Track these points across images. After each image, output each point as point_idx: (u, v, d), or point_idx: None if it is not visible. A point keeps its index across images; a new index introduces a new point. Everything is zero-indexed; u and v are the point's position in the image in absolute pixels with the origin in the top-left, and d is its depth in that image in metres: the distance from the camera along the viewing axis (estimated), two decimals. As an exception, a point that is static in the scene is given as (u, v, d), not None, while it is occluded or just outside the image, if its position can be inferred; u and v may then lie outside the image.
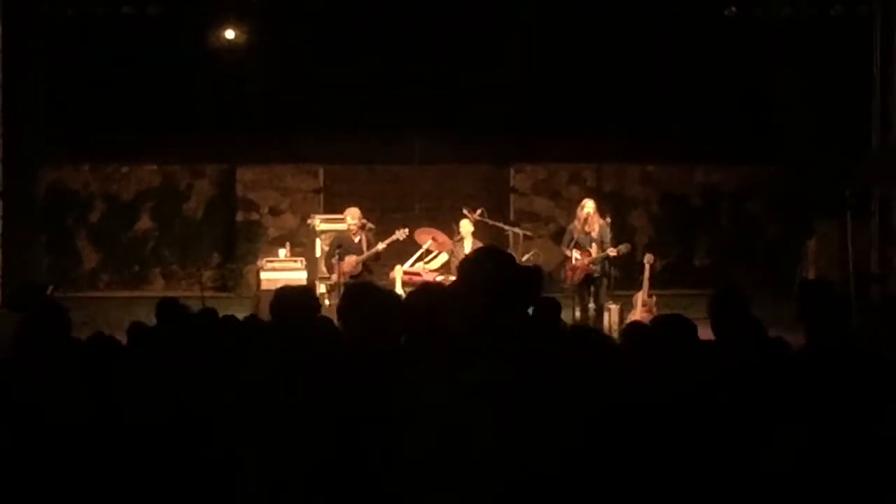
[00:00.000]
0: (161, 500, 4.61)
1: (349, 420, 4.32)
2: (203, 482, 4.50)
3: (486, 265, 4.31)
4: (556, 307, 7.74)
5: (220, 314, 6.97)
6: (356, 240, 14.69)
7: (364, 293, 5.21)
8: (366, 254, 14.59)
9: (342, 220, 15.17)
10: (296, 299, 5.07)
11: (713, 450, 4.78)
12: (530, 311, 7.50)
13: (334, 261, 14.67)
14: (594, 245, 14.39)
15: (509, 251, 15.00)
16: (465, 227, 15.02)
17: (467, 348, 4.13)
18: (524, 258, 15.03)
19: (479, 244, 14.84)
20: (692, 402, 5.02)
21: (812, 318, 5.50)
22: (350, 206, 15.15)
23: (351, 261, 14.56)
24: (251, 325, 6.69)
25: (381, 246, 14.58)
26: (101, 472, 4.68)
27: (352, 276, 14.33)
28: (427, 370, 4.13)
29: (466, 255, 4.70)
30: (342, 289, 14.27)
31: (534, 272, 6.70)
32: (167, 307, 7.88)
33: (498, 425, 3.96)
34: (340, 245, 14.76)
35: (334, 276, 14.66)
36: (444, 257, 15.08)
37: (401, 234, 14.81)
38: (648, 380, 5.27)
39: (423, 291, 5.22)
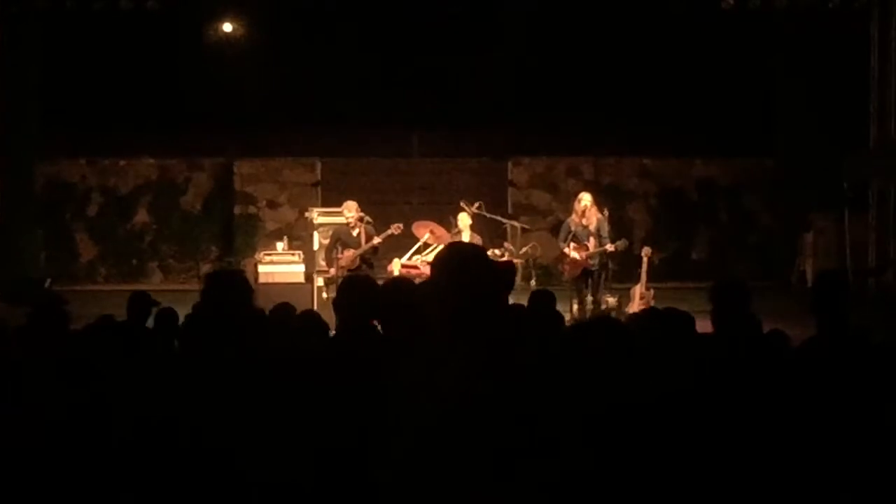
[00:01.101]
0: (153, 497, 4.61)
1: (339, 415, 4.33)
2: (195, 477, 4.50)
3: (456, 262, 4.33)
4: (551, 298, 7.74)
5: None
6: (355, 233, 14.65)
7: (359, 286, 5.21)
8: (362, 248, 14.56)
9: (340, 214, 15.15)
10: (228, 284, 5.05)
11: (714, 445, 4.78)
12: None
13: (334, 254, 14.63)
14: (592, 238, 14.36)
15: (506, 244, 15.05)
16: (463, 220, 15.00)
17: (454, 342, 4.14)
18: (522, 251, 15.03)
19: (477, 237, 14.84)
20: (691, 397, 5.02)
21: (826, 311, 5.48)
22: (347, 200, 15.12)
23: (349, 255, 14.55)
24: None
25: (376, 241, 14.55)
26: (94, 467, 4.68)
27: (350, 270, 14.29)
28: (415, 364, 4.14)
29: (437, 253, 4.71)
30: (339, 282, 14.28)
31: (507, 268, 6.73)
32: (138, 301, 7.89)
33: (488, 421, 3.97)
34: (340, 239, 14.72)
35: (333, 270, 14.62)
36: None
37: (395, 228, 14.78)
38: (646, 374, 5.27)
39: (395, 284, 5.23)
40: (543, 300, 7.61)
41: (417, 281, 13.82)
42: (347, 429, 4.28)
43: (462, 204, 15.28)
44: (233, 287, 4.96)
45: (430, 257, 14.91)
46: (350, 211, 14.71)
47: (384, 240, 14.68)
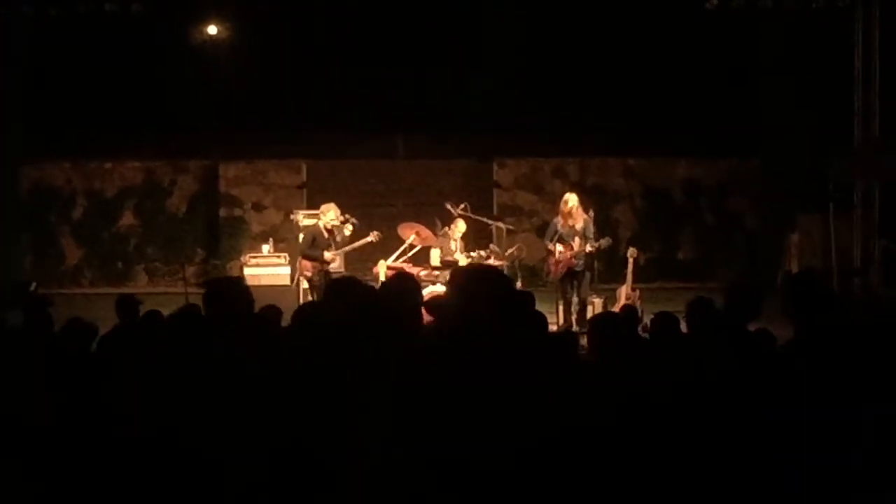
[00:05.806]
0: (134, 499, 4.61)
1: (329, 417, 4.34)
2: (176, 479, 4.50)
3: (481, 287, 4.37)
4: (531, 299, 7.74)
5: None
6: (326, 234, 14.50)
7: (347, 289, 5.20)
8: (341, 249, 14.60)
9: (323, 216, 15.01)
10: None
11: (702, 443, 4.79)
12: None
13: (309, 252, 14.45)
14: (577, 238, 14.37)
15: (492, 246, 15.04)
16: (460, 228, 15.00)
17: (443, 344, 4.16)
18: (507, 252, 15.03)
19: (461, 242, 14.87)
20: (681, 395, 5.03)
21: (799, 312, 5.50)
22: (326, 203, 14.91)
23: (327, 257, 14.37)
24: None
25: (346, 249, 14.67)
26: (78, 471, 4.68)
27: (324, 272, 14.14)
28: (401, 364, 4.16)
29: (459, 268, 4.76)
30: (305, 285, 14.36)
31: (526, 296, 6.74)
32: (126, 304, 7.86)
33: (467, 421, 3.99)
34: (314, 239, 14.50)
35: (323, 265, 14.26)
36: (436, 253, 15.01)
37: (374, 236, 14.74)
38: (622, 373, 5.28)
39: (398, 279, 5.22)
40: (523, 301, 7.60)
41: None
42: (336, 430, 4.28)
43: (447, 205, 15.28)
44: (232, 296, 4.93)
45: (433, 261, 14.89)
46: (332, 215, 14.55)
47: (360, 248, 14.71)
